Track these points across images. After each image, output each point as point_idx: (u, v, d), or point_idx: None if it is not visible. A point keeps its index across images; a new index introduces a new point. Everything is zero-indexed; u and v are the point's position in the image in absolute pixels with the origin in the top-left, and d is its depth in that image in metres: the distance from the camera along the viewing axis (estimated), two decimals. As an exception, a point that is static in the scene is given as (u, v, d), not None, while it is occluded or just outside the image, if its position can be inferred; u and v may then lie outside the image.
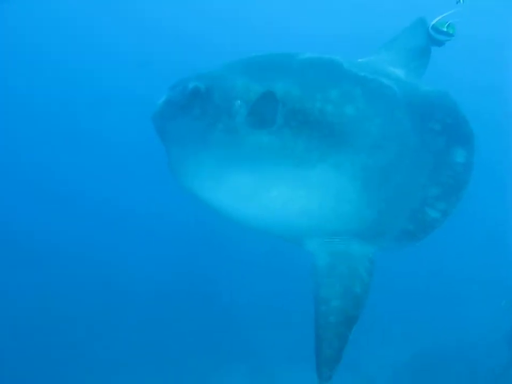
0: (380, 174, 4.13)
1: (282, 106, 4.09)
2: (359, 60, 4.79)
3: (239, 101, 4.15)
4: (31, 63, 35.53)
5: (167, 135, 4.56)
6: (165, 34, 35.74)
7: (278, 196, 4.12)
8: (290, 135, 4.07)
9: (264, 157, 4.10)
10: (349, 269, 4.10)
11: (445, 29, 5.02)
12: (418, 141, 4.24)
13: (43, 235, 21.82)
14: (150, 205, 22.01)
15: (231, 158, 4.17)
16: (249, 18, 35.80)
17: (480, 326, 13.84)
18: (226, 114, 4.16)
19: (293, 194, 4.11)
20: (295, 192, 4.11)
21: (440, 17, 5.06)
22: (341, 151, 4.07)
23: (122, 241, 20.42)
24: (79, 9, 34.52)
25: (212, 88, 4.25)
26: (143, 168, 22.43)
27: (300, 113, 4.08)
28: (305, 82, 4.18)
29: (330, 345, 3.75)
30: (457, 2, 5.92)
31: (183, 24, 35.99)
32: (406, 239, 4.26)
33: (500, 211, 20.30)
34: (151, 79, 24.66)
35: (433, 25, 5.07)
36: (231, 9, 35.40)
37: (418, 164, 4.22)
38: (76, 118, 31.12)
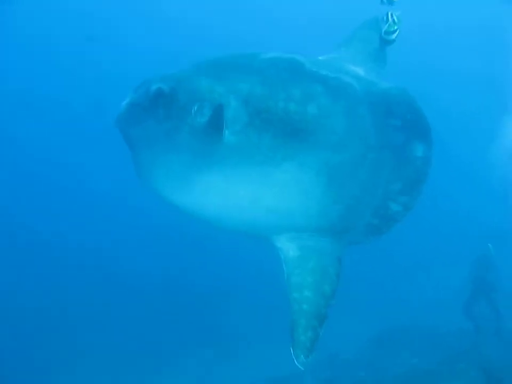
0: (344, 171, 4.20)
1: (246, 106, 4.11)
2: (320, 58, 4.83)
3: (203, 102, 4.13)
4: (30, 63, 35.52)
5: (131, 138, 4.49)
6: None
7: (245, 194, 4.15)
8: (255, 134, 4.10)
9: (230, 156, 4.11)
10: (319, 266, 4.18)
11: (393, 28, 5.13)
12: (380, 137, 4.31)
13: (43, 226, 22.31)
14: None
15: (198, 160, 4.16)
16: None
17: (440, 297, 14.66)
18: (190, 116, 4.14)
19: (260, 192, 4.15)
20: (261, 190, 4.14)
21: (389, 21, 5.13)
22: (305, 148, 4.12)
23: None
24: (77, 9, 34.12)
25: (176, 90, 4.20)
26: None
27: (263, 112, 4.11)
28: (268, 81, 4.20)
29: (305, 333, 3.86)
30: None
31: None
32: (371, 233, 4.37)
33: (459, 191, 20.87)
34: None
35: (385, 31, 5.17)
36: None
37: (380, 160, 4.29)
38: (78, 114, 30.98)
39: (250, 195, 4.15)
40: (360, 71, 4.74)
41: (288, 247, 4.29)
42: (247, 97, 4.13)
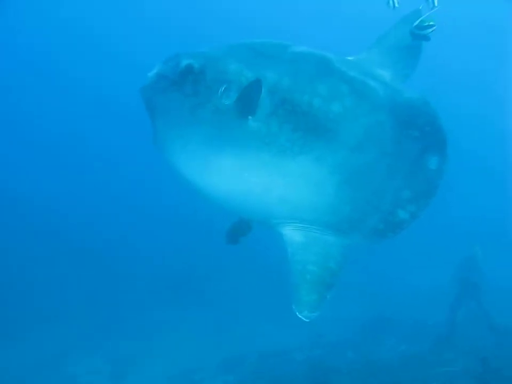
0: (357, 173, 4.28)
1: (272, 95, 4.17)
2: (349, 58, 4.83)
3: (230, 84, 4.19)
4: (30, 63, 35.19)
5: (155, 108, 4.53)
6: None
7: (259, 181, 4.24)
8: (276, 124, 4.17)
9: (248, 142, 4.19)
10: (323, 249, 4.34)
11: (426, 24, 4.82)
12: (396, 145, 4.37)
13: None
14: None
15: (216, 139, 4.24)
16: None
17: (426, 290, 15.16)
18: (216, 96, 4.20)
19: (274, 181, 4.24)
20: (275, 179, 4.23)
21: (422, 17, 4.84)
22: (323, 145, 4.20)
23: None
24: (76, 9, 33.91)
25: (205, 68, 4.26)
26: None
27: (288, 103, 4.17)
28: (296, 74, 4.25)
29: (308, 294, 4.06)
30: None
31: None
32: (375, 237, 4.44)
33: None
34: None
35: (416, 25, 4.89)
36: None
37: (394, 167, 4.37)
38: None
39: (263, 182, 4.25)
40: (387, 75, 4.75)
41: (293, 234, 4.42)
42: (274, 87, 4.19)
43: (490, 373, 6.79)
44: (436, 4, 5.00)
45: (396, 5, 5.62)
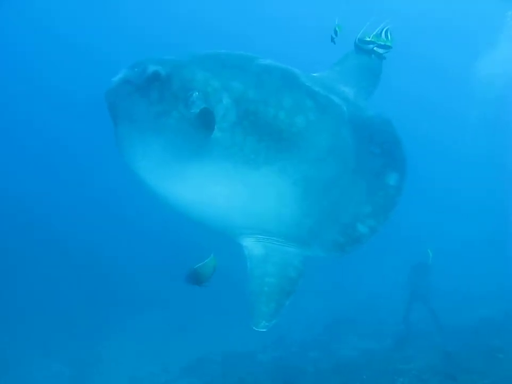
0: (320, 186, 4.34)
1: (237, 106, 4.16)
2: (314, 75, 4.87)
3: (197, 93, 4.15)
4: (30, 64, 34.50)
5: (118, 113, 4.45)
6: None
7: (221, 191, 4.23)
8: (241, 135, 4.16)
9: (213, 151, 4.16)
10: (283, 259, 4.38)
11: (370, 39, 4.87)
12: (358, 161, 4.46)
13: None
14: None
15: (180, 147, 4.20)
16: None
17: (384, 291, 15.40)
18: (182, 104, 4.16)
19: (236, 191, 4.23)
20: (238, 190, 4.23)
21: (364, 28, 4.91)
22: (286, 157, 4.22)
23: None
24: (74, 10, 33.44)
25: (172, 76, 4.21)
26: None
27: (253, 114, 4.17)
28: (262, 86, 4.26)
29: (267, 305, 4.11)
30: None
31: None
32: (334, 250, 4.51)
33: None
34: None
35: (358, 38, 4.96)
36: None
37: (355, 182, 4.45)
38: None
39: (225, 192, 4.24)
40: (350, 93, 4.82)
41: (253, 246, 4.45)
42: (240, 97, 4.18)
43: (454, 367, 6.95)
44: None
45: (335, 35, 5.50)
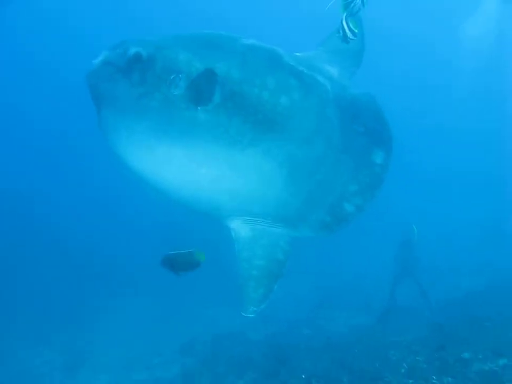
0: (305, 166, 4.34)
1: (221, 87, 4.12)
2: (298, 54, 4.83)
3: (179, 74, 4.10)
4: (31, 64, 34.26)
5: (100, 96, 4.39)
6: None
7: (207, 173, 4.20)
8: (226, 116, 4.13)
9: (197, 133, 4.13)
10: (270, 242, 4.40)
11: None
12: (343, 140, 4.46)
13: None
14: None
15: (164, 129, 4.16)
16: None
17: (372, 269, 15.89)
18: (165, 85, 4.11)
19: (222, 173, 4.21)
20: (223, 171, 4.21)
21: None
22: (271, 138, 4.21)
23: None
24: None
25: (154, 57, 4.15)
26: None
27: (237, 95, 4.14)
28: (246, 66, 4.22)
29: (255, 291, 4.15)
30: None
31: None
32: (322, 230, 4.53)
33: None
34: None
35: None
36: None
37: (341, 161, 4.46)
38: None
39: (211, 174, 4.22)
40: (334, 72, 4.81)
41: (240, 227, 4.45)
42: (224, 78, 4.13)
43: (442, 337, 7.06)
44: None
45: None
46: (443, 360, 6.02)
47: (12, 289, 15.24)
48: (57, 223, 20.87)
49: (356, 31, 4.69)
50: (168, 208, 4.96)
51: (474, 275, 14.58)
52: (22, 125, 31.89)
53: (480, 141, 30.14)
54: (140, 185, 4.60)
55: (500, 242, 16.44)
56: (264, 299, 4.14)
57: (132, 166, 4.39)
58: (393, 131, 4.65)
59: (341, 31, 4.72)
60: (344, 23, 4.69)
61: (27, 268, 16.99)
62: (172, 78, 4.12)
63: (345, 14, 4.64)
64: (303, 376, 6.74)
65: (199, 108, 4.11)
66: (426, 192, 24.57)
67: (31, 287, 15.45)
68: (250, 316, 4.09)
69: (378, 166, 4.55)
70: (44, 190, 24.84)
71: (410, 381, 5.71)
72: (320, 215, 4.48)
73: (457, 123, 30.90)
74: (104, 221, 21.04)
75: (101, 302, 14.84)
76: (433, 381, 5.55)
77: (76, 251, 17.91)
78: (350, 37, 4.72)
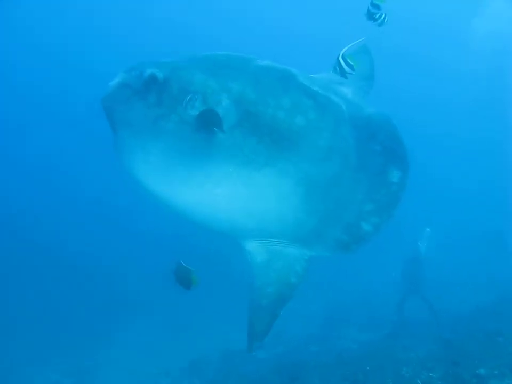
0: (322, 185, 4.34)
1: (237, 107, 4.15)
2: (312, 75, 4.88)
3: (195, 95, 4.14)
4: (32, 62, 35.06)
5: (117, 118, 4.41)
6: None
7: (223, 192, 4.20)
8: (241, 136, 4.15)
9: (213, 153, 4.15)
10: (285, 265, 4.40)
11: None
12: (359, 159, 4.47)
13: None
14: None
15: (180, 150, 4.18)
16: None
17: (379, 285, 15.74)
18: (181, 107, 4.15)
19: (238, 193, 4.21)
20: (239, 191, 4.21)
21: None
22: (287, 157, 4.22)
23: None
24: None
25: (170, 78, 4.19)
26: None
27: (252, 115, 4.17)
28: (261, 87, 4.26)
29: (261, 322, 4.17)
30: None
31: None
32: (339, 249, 4.51)
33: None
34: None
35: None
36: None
37: (357, 180, 4.46)
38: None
39: (227, 194, 4.21)
40: (348, 93, 4.84)
41: (256, 251, 4.45)
42: (239, 98, 4.17)
43: (454, 353, 7.03)
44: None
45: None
46: (458, 377, 5.98)
47: (17, 308, 15.18)
48: (65, 240, 20.80)
49: (354, 66, 4.80)
50: (180, 222, 4.93)
51: (481, 289, 14.51)
52: (23, 129, 31.98)
53: (483, 150, 30.10)
54: (153, 203, 4.58)
55: (504, 255, 16.37)
56: (268, 329, 4.17)
57: (148, 187, 4.40)
58: (408, 150, 4.66)
59: (337, 68, 4.84)
60: (340, 59, 4.81)
61: (33, 287, 16.90)
62: (188, 98, 4.15)
63: (341, 52, 4.81)
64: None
65: (215, 128, 4.12)
66: (430, 204, 24.42)
67: (37, 308, 15.36)
68: (253, 352, 4.14)
69: (395, 185, 4.54)
70: (52, 207, 24.76)
71: (426, 399, 5.67)
72: (336, 234, 4.46)
73: (457, 131, 30.94)
74: (112, 236, 20.95)
75: (108, 321, 14.77)
76: (450, 398, 5.50)
77: (83, 269, 17.83)
78: (348, 72, 4.83)
